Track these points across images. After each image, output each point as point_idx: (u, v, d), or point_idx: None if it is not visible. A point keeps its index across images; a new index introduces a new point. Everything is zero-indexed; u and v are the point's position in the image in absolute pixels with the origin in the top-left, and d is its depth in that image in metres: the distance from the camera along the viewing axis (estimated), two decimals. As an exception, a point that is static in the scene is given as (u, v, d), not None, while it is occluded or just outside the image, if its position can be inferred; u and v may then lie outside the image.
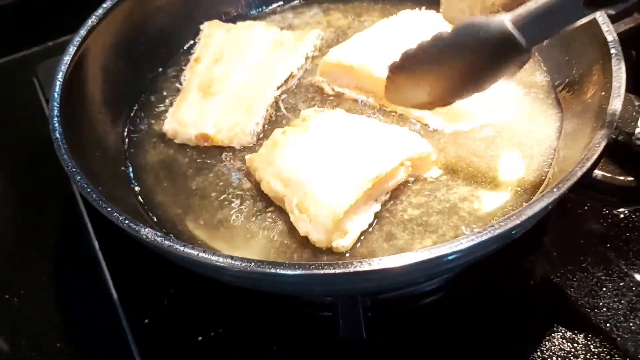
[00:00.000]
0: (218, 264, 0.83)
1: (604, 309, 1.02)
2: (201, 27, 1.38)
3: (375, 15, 1.42)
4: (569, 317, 1.02)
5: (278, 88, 1.26)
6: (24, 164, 1.40)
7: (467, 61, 0.97)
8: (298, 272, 0.80)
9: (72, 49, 1.16)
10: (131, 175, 1.17)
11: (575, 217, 1.13)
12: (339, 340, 0.98)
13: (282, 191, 1.03)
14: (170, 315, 1.08)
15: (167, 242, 0.86)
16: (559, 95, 1.18)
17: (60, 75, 1.12)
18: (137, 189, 1.14)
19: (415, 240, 1.01)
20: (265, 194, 1.08)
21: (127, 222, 0.89)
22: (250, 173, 1.12)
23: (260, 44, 1.33)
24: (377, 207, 1.05)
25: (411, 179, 1.09)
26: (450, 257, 0.81)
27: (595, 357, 0.97)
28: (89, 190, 0.94)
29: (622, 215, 1.12)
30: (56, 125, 1.04)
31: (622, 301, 1.03)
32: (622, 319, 1.01)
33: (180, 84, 1.31)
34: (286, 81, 1.28)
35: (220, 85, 1.26)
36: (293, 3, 1.49)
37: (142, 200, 1.12)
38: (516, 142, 1.13)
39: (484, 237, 0.81)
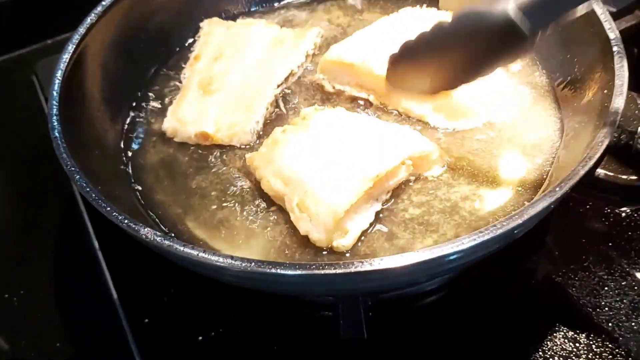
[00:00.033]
0: (218, 264, 0.82)
1: (606, 309, 1.02)
2: (201, 24, 1.38)
3: (376, 13, 1.41)
4: (571, 316, 1.02)
5: (278, 86, 1.25)
6: (24, 163, 1.40)
7: (469, 50, 0.96)
8: (299, 272, 0.80)
9: (71, 47, 1.16)
10: (131, 174, 1.16)
11: (577, 215, 1.13)
12: (340, 340, 0.97)
13: (282, 190, 1.03)
14: (170, 315, 1.08)
15: (166, 242, 0.85)
16: (560, 94, 1.17)
17: (59, 74, 1.11)
18: (136, 188, 1.14)
19: (416, 240, 1.00)
20: (265, 193, 1.07)
21: (126, 221, 0.89)
22: (251, 172, 1.11)
23: (261, 41, 1.32)
24: (378, 206, 1.04)
25: (412, 178, 1.08)
26: (452, 257, 0.80)
27: (597, 356, 0.97)
28: (88, 189, 0.94)
29: (624, 214, 1.12)
30: (55, 124, 1.03)
31: (624, 300, 1.02)
32: (624, 318, 1.00)
33: (180, 82, 1.31)
34: (286, 79, 1.27)
35: (220, 83, 1.25)
36: (293, 0, 1.48)
37: (141, 200, 1.12)
38: (517, 140, 1.12)
39: (486, 237, 0.80)
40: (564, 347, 0.98)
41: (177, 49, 1.39)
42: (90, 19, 1.21)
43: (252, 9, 1.48)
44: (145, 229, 0.87)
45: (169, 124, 1.21)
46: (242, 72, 1.27)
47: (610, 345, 0.98)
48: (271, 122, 1.21)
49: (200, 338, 1.04)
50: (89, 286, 1.14)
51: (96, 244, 1.19)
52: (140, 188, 1.14)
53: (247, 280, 0.91)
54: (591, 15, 1.08)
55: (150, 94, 1.30)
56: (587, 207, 1.14)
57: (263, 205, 1.08)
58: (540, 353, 0.98)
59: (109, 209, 0.90)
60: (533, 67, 1.24)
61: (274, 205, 1.07)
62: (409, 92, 1.13)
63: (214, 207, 1.09)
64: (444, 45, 0.98)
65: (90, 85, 1.20)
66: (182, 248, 0.84)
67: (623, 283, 1.04)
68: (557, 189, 0.85)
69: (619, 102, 0.95)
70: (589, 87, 1.08)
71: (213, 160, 1.17)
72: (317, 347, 1.03)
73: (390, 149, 1.04)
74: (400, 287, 1.02)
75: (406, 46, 1.01)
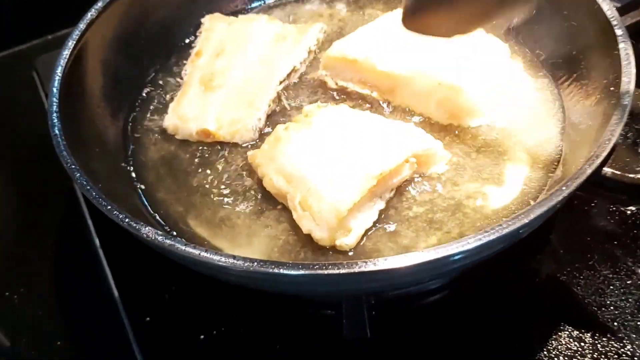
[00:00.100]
0: (220, 263, 0.81)
1: (611, 307, 1.01)
2: (202, 20, 1.37)
3: (379, 9, 1.40)
4: (576, 315, 1.01)
5: (280, 83, 1.24)
6: (25, 160, 1.39)
7: None
8: (302, 272, 0.79)
9: (71, 43, 1.15)
10: (132, 172, 1.15)
11: (582, 214, 1.12)
12: (343, 339, 0.96)
13: (284, 188, 1.02)
14: (171, 314, 1.07)
15: (168, 241, 0.84)
16: (566, 91, 1.16)
17: (59, 70, 1.11)
18: (138, 186, 1.13)
19: (420, 238, 1.00)
20: (267, 191, 1.06)
21: (127, 220, 0.88)
22: (253, 169, 1.10)
23: (262, 37, 1.31)
24: (381, 204, 1.03)
25: (416, 176, 1.08)
26: (456, 257, 0.79)
27: (603, 356, 0.96)
28: (88, 187, 0.93)
29: (629, 212, 1.11)
30: (55, 121, 1.02)
31: (630, 299, 1.01)
32: (629, 317, 0.99)
33: (181, 78, 1.30)
34: (289, 75, 1.26)
35: (222, 80, 1.24)
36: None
37: (143, 198, 1.11)
38: (522, 138, 1.11)
39: (492, 237, 0.80)
40: (569, 346, 0.98)
41: (178, 44, 1.38)
42: (90, 14, 1.20)
43: (254, 5, 1.47)
44: (147, 228, 0.86)
45: (170, 121, 1.20)
46: (244, 69, 1.26)
47: (615, 345, 0.97)
48: (273, 119, 1.20)
49: (202, 337, 1.03)
50: (90, 284, 1.14)
51: (97, 241, 1.18)
52: (141, 186, 1.13)
53: (249, 280, 0.90)
54: (597, 11, 1.07)
55: (151, 91, 1.30)
56: (592, 205, 1.13)
57: (265, 203, 1.07)
58: (545, 352, 0.97)
59: (109, 207, 0.90)
60: (537, 65, 1.23)
61: (277, 203, 1.06)
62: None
63: (216, 205, 1.08)
64: None
65: (90, 81, 1.19)
66: (183, 247, 0.83)
67: (628, 282, 1.03)
68: (564, 187, 0.84)
69: (626, 99, 0.94)
70: (594, 84, 1.07)
71: (215, 157, 1.16)
72: (319, 346, 1.02)
73: (394, 147, 1.03)
74: (404, 286, 1.01)
75: None
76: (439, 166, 1.08)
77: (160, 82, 1.31)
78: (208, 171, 1.14)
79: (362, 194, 0.96)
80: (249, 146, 1.17)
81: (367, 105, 1.20)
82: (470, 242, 0.79)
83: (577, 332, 0.99)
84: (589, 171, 0.85)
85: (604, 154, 0.88)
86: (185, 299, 1.08)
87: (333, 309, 1.03)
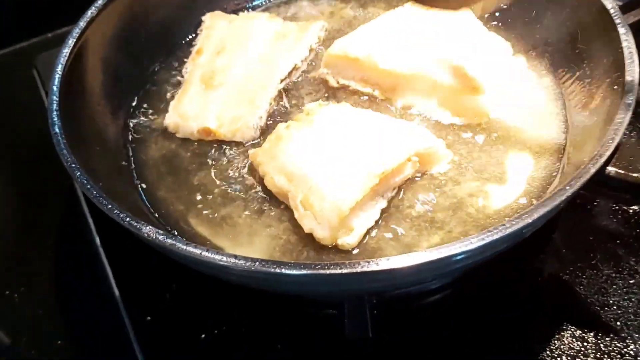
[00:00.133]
0: (221, 263, 0.81)
1: (614, 307, 1.00)
2: (203, 18, 1.36)
3: (381, 7, 1.40)
4: (579, 315, 1.01)
5: (282, 81, 1.24)
6: (25, 159, 1.39)
7: None
8: (304, 272, 0.79)
9: (71, 41, 1.14)
10: (132, 170, 1.15)
11: (585, 213, 1.12)
12: (345, 339, 0.96)
13: (286, 187, 1.02)
14: (172, 313, 1.07)
15: (169, 241, 0.84)
16: (568, 90, 1.16)
17: (59, 68, 1.10)
18: (138, 184, 1.12)
19: (422, 237, 0.99)
20: (269, 190, 1.06)
21: (128, 219, 0.87)
22: (254, 168, 1.10)
23: (263, 35, 1.31)
24: (383, 203, 1.03)
25: (418, 175, 1.07)
26: (460, 257, 0.79)
27: (605, 356, 0.96)
28: (89, 186, 0.92)
29: (632, 211, 1.11)
30: (55, 119, 1.02)
31: (633, 299, 1.01)
32: (632, 316, 0.99)
33: (182, 76, 1.29)
34: (290, 73, 1.26)
35: (223, 78, 1.24)
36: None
37: (144, 196, 1.10)
38: (525, 137, 1.11)
39: (495, 237, 0.79)
40: (572, 346, 0.97)
41: (179, 42, 1.37)
42: (90, 12, 1.19)
43: (255, 2, 1.46)
44: (147, 227, 0.86)
45: (170, 120, 1.20)
46: (244, 67, 1.25)
47: (618, 344, 0.97)
48: (275, 118, 1.20)
49: (203, 336, 1.03)
50: (90, 284, 1.13)
51: (98, 240, 1.18)
52: (142, 184, 1.13)
53: (250, 280, 0.89)
54: (600, 9, 1.07)
55: (152, 89, 1.29)
56: (595, 204, 1.12)
57: (266, 202, 1.06)
58: (548, 352, 0.97)
59: (110, 206, 0.89)
60: (540, 64, 1.22)
61: (278, 202, 1.06)
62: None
63: (217, 204, 1.08)
64: None
65: (90, 79, 1.19)
66: (184, 247, 0.83)
67: (631, 281, 1.03)
68: (568, 187, 0.83)
69: (629, 98, 0.94)
70: (597, 82, 1.06)
71: (216, 156, 1.15)
72: (321, 346, 1.02)
73: (396, 145, 1.02)
74: (406, 286, 1.01)
75: None
76: (441, 165, 1.08)
77: (161, 80, 1.31)
78: (209, 170, 1.13)
79: (364, 192, 0.96)
80: (250, 145, 1.16)
81: (369, 104, 1.20)
82: (474, 242, 0.78)
83: (580, 332, 0.98)
84: (593, 170, 0.85)
85: (608, 153, 0.87)
86: (186, 298, 1.08)
87: (335, 308, 1.03)
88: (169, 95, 1.27)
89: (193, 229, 1.05)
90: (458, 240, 0.79)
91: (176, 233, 1.04)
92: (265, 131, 1.17)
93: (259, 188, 1.08)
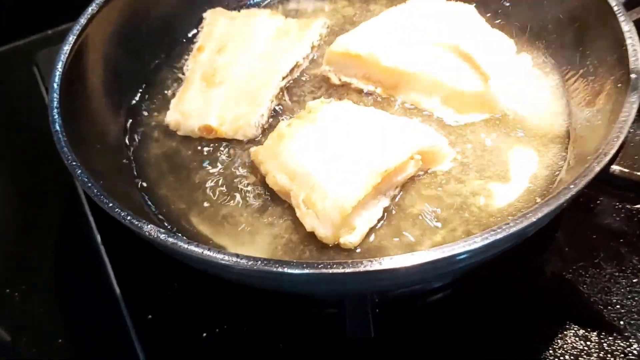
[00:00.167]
0: (223, 262, 0.80)
1: (617, 306, 1.00)
2: (204, 15, 1.36)
3: (383, 4, 1.39)
4: (582, 314, 1.01)
5: (283, 78, 1.23)
6: (25, 157, 1.38)
7: None
8: (306, 271, 0.78)
9: (72, 38, 1.14)
10: (133, 168, 1.14)
11: (588, 211, 1.11)
12: (347, 338, 0.96)
13: (288, 185, 1.01)
14: (174, 312, 1.06)
15: (170, 240, 0.83)
16: (572, 88, 1.15)
17: (60, 65, 1.09)
18: (139, 182, 1.12)
19: (425, 236, 0.99)
20: (270, 189, 1.05)
21: (129, 218, 0.87)
22: (255, 166, 1.09)
23: (265, 32, 1.30)
24: (386, 201, 1.02)
25: (421, 173, 1.06)
26: (463, 256, 0.78)
27: (609, 355, 0.95)
28: (90, 185, 0.92)
29: (634, 210, 1.10)
30: (56, 117, 1.01)
31: (636, 298, 1.01)
32: (635, 316, 0.99)
33: (183, 73, 1.29)
34: (291, 71, 1.25)
35: (224, 75, 1.23)
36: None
37: (145, 195, 1.10)
38: (528, 135, 1.10)
39: (498, 236, 0.78)
40: (575, 345, 0.97)
41: (180, 39, 1.36)
42: (91, 9, 1.19)
43: (256, -1, 1.45)
44: (149, 226, 0.85)
45: (171, 117, 1.19)
46: (246, 64, 1.25)
47: (621, 344, 0.96)
48: (276, 115, 1.19)
49: (204, 335, 1.02)
50: (91, 282, 1.13)
51: (99, 239, 1.17)
52: (143, 183, 1.12)
53: (252, 279, 0.89)
54: (604, 7, 1.06)
55: (153, 86, 1.28)
56: (598, 202, 1.12)
57: (268, 200, 1.06)
58: (551, 351, 0.97)
59: (111, 205, 0.89)
60: (544, 62, 1.21)
61: (280, 200, 1.05)
62: None
63: (219, 202, 1.07)
64: None
65: (91, 76, 1.18)
66: (186, 246, 0.82)
67: (634, 280, 1.03)
68: (572, 185, 0.83)
69: (634, 96, 0.93)
70: (602, 80, 1.06)
71: (217, 154, 1.15)
72: (323, 345, 1.01)
73: (399, 143, 1.01)
74: (408, 285, 1.01)
75: None
76: (443, 163, 1.07)
77: (162, 77, 1.30)
78: (210, 168, 1.13)
79: (366, 191, 0.95)
80: (252, 143, 1.15)
81: (371, 101, 1.19)
82: (477, 241, 0.78)
83: (583, 331, 0.98)
84: (598, 169, 0.84)
85: (613, 151, 0.86)
86: (187, 297, 1.07)
87: (337, 307, 1.03)
88: (170, 92, 1.26)
89: (194, 228, 1.04)
90: (461, 239, 0.78)
91: (177, 232, 1.03)
92: (266, 129, 1.17)
93: (260, 186, 1.08)
